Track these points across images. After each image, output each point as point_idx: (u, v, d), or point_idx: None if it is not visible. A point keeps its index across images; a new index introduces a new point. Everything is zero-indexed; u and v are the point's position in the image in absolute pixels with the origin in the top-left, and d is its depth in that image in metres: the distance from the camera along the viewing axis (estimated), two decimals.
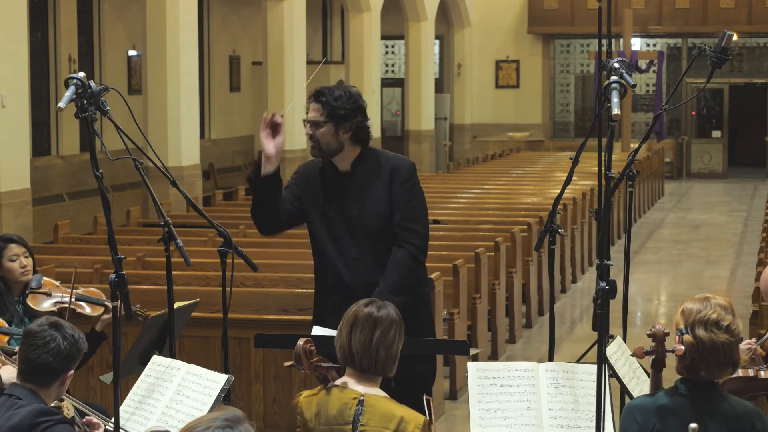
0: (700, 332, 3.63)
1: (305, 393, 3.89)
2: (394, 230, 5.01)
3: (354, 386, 3.84)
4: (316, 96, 4.99)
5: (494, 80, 26.47)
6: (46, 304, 5.70)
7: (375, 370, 3.85)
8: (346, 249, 5.02)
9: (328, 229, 5.06)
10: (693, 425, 3.18)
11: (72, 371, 4.26)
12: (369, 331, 3.83)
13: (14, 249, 5.76)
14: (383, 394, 3.85)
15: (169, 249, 4.43)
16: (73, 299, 5.67)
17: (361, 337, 3.84)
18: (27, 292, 5.74)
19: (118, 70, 18.38)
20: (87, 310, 5.76)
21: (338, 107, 4.97)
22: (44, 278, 5.84)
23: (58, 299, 5.72)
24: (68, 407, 4.42)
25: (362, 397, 3.79)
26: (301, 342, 3.96)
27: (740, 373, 4.35)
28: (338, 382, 3.88)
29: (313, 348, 3.97)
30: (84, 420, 4.28)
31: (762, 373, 4.44)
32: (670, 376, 3.83)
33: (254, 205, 5.16)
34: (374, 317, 3.85)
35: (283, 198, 5.13)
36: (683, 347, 3.64)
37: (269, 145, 5.00)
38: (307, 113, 5.05)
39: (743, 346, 4.61)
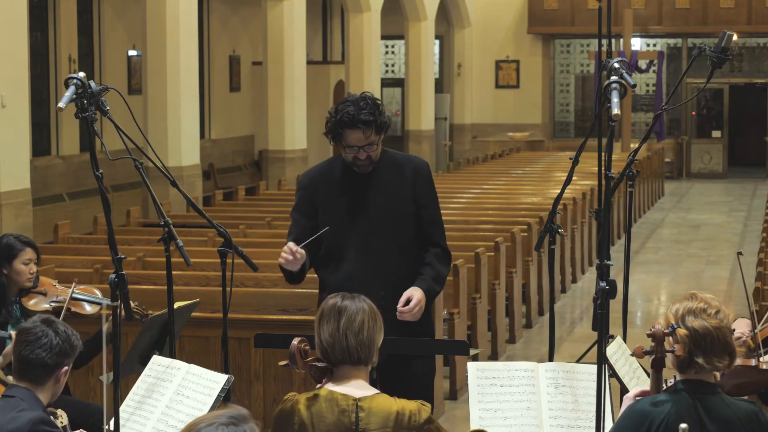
0: (691, 321, 3.64)
1: (302, 401, 3.84)
2: (412, 226, 5.11)
3: (345, 390, 3.80)
4: (364, 122, 4.94)
5: (494, 80, 26.47)
6: (43, 304, 5.70)
7: (349, 359, 3.82)
8: (370, 246, 5.05)
9: (349, 230, 5.07)
10: (683, 425, 3.17)
11: (66, 368, 4.25)
12: (335, 320, 3.84)
13: (29, 254, 5.77)
14: (374, 391, 3.83)
15: (169, 249, 4.42)
16: (69, 298, 5.67)
17: (328, 328, 3.84)
18: (23, 291, 5.74)
19: (118, 70, 18.39)
20: (87, 308, 5.76)
21: (382, 120, 5.01)
22: (41, 277, 5.84)
23: (54, 299, 5.72)
24: (62, 415, 4.42)
25: (358, 401, 3.77)
26: (295, 341, 3.96)
27: (740, 362, 4.34)
28: (329, 387, 3.83)
29: (307, 347, 3.97)
30: None
31: (764, 365, 4.44)
32: (671, 376, 3.83)
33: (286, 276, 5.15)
34: (338, 307, 3.86)
35: (299, 235, 5.10)
36: (679, 346, 3.64)
37: (294, 266, 4.96)
38: (342, 138, 4.97)
39: (736, 333, 4.62)
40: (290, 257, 4.88)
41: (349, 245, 5.07)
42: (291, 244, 4.91)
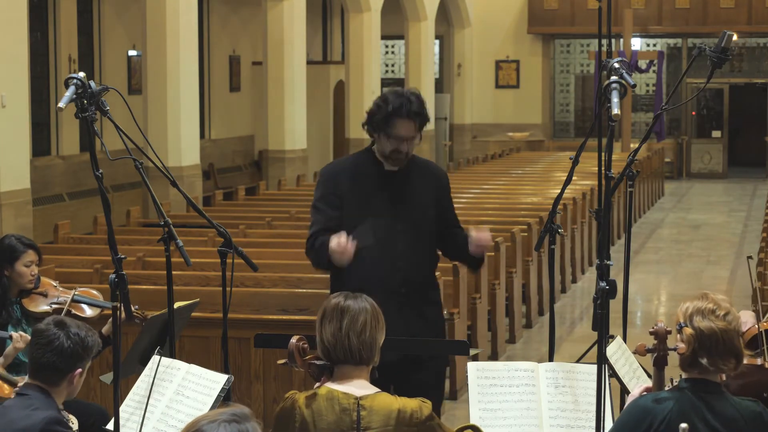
0: (698, 321, 3.64)
1: (301, 399, 3.84)
2: (433, 228, 5.18)
3: (346, 389, 3.81)
4: (417, 113, 4.99)
5: (494, 80, 26.47)
6: (43, 305, 5.69)
7: (351, 359, 3.82)
8: (392, 243, 5.06)
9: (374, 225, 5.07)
10: (683, 425, 3.17)
11: (80, 370, 4.24)
12: (337, 320, 3.84)
13: (32, 256, 5.76)
14: (375, 390, 3.83)
15: (169, 249, 4.42)
16: (70, 300, 5.66)
17: (330, 327, 3.84)
18: (23, 291, 5.74)
19: (118, 70, 18.38)
20: (87, 312, 5.74)
21: (426, 115, 5.07)
22: (42, 278, 5.83)
23: (55, 300, 5.71)
24: (73, 421, 4.42)
25: (359, 400, 3.78)
26: (294, 340, 3.97)
27: (745, 361, 4.34)
28: (328, 385, 3.83)
29: (306, 346, 3.97)
30: None
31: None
32: (674, 375, 3.83)
33: (323, 264, 5.11)
34: (341, 306, 3.86)
35: (326, 224, 5.08)
36: (684, 345, 3.65)
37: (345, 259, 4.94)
38: (390, 128, 4.98)
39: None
40: (348, 249, 4.84)
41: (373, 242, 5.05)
42: (342, 239, 4.85)
